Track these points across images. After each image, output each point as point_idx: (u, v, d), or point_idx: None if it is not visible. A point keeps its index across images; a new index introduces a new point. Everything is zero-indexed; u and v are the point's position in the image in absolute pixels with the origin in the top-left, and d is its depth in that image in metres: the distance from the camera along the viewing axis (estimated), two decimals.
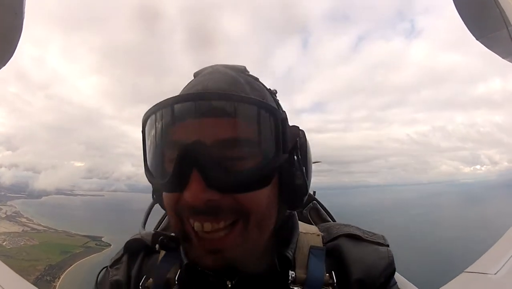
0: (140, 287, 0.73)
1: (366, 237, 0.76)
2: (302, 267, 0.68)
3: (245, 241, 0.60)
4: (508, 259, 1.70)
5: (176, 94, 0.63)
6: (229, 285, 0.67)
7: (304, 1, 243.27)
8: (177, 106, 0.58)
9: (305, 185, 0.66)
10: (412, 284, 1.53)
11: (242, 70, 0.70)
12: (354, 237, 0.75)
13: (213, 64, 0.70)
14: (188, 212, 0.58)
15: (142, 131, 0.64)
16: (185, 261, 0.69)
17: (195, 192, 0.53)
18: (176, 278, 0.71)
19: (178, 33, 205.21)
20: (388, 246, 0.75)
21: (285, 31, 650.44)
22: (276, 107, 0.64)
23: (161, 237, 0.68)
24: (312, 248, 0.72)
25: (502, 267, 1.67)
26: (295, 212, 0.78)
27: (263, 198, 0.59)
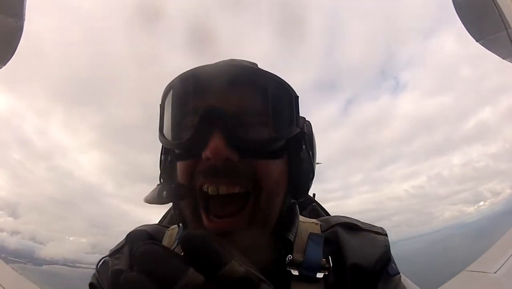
0: None
1: (365, 227, 0.75)
2: (300, 251, 0.68)
3: (254, 222, 0.58)
4: (508, 258, 1.74)
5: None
6: None
7: (288, 77, 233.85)
8: (199, 75, 0.59)
9: (312, 169, 0.68)
10: (414, 284, 1.55)
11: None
12: (352, 226, 0.75)
13: None
14: (205, 175, 0.56)
15: (161, 105, 0.64)
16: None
17: (216, 147, 0.53)
18: None
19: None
20: (386, 235, 0.74)
21: None
22: None
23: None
24: (311, 234, 0.72)
25: (502, 266, 1.70)
26: (296, 202, 0.77)
27: (276, 170, 0.60)
